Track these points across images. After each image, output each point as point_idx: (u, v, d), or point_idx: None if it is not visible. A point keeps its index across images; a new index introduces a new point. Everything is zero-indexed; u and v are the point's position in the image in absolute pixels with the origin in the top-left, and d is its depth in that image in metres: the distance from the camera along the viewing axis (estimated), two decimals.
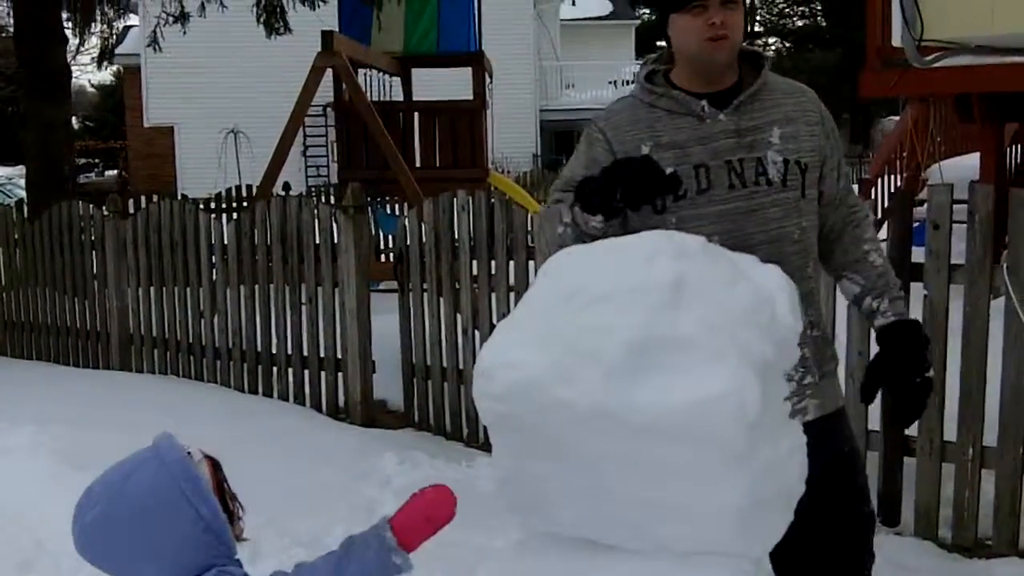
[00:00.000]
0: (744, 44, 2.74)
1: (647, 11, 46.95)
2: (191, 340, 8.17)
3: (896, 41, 3.68)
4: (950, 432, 4.75)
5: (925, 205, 4.76)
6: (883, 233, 5.08)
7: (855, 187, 2.88)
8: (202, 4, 12.48)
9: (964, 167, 10.38)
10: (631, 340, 2.01)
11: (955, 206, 4.63)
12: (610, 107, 2.82)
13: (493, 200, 6.51)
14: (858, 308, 2.86)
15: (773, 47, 51.57)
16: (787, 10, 51.06)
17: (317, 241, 7.27)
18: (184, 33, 12.98)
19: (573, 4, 35.73)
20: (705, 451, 2.02)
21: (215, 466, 2.23)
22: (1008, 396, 4.56)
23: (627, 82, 32.83)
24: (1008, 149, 10.53)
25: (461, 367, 6.60)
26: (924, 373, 2.68)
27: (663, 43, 2.83)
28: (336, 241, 7.14)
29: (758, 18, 51.09)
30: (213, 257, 7.95)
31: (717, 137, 2.65)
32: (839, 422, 2.91)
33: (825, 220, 2.82)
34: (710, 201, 2.62)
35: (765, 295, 2.18)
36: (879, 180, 12.23)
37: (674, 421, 2.00)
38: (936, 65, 4.10)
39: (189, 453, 2.17)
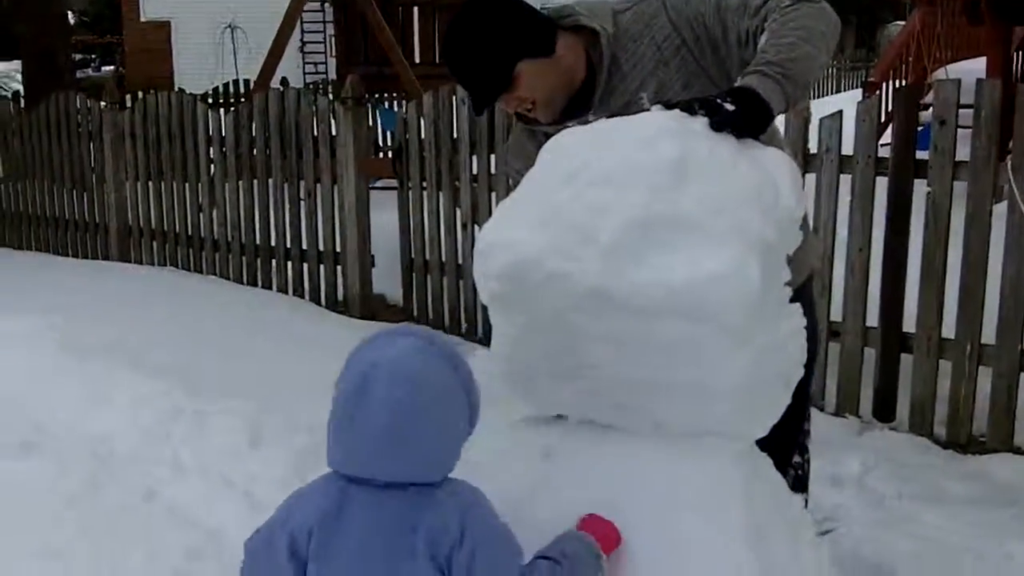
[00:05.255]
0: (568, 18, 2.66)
1: None
2: (189, 233, 8.15)
3: None
4: (948, 330, 4.75)
5: (930, 110, 4.70)
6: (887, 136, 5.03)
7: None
8: None
9: (970, 71, 10.23)
10: (631, 219, 1.98)
11: (961, 110, 4.57)
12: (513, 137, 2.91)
13: None
14: None
15: None
16: None
17: (315, 134, 7.21)
18: None
19: None
20: (704, 332, 1.99)
21: None
22: (1008, 293, 4.56)
23: None
24: (1015, 54, 10.40)
25: (460, 262, 6.58)
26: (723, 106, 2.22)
27: None
28: (335, 134, 7.08)
29: None
30: (211, 150, 7.90)
31: None
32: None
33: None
34: None
35: (769, 177, 2.14)
36: (884, 84, 12.09)
37: (673, 300, 1.97)
38: None
39: None
